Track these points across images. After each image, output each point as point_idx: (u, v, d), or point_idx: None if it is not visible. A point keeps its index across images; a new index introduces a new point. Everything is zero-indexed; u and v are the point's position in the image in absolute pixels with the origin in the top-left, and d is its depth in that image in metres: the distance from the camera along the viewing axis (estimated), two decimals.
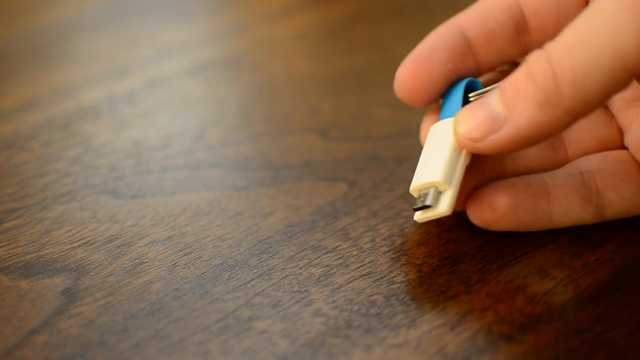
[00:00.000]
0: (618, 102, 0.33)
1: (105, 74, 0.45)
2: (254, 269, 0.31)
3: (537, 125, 0.28)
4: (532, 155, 0.32)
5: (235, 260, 0.32)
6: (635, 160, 0.32)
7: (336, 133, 0.40)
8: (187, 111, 0.42)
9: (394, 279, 0.31)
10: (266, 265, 0.32)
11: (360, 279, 0.31)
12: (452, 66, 0.32)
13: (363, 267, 0.31)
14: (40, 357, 0.28)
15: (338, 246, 0.32)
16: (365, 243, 0.32)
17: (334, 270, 0.31)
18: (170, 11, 0.53)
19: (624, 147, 0.33)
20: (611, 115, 0.33)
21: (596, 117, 0.33)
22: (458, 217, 0.32)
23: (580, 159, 0.32)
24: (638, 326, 0.29)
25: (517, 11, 0.32)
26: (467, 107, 0.30)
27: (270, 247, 0.32)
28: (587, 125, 0.33)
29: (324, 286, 0.31)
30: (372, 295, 0.30)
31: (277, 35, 0.49)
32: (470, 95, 0.32)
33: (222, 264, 0.32)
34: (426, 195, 0.30)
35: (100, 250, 0.32)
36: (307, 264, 0.32)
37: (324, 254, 0.32)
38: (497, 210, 0.31)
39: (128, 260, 0.32)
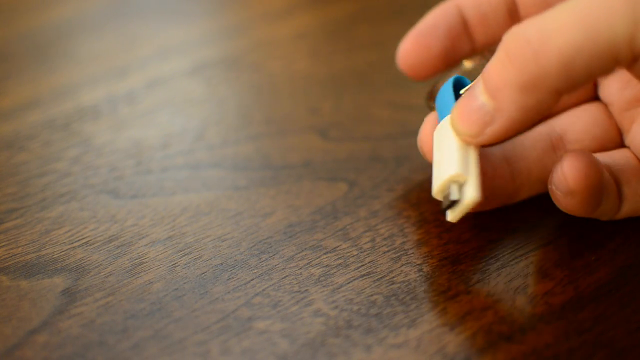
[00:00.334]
0: (617, 103, 0.33)
1: (105, 74, 0.45)
2: (254, 269, 0.31)
3: (525, 109, 0.28)
4: (533, 156, 0.32)
5: (235, 260, 0.32)
6: (638, 159, 0.32)
7: (336, 133, 0.40)
8: (187, 111, 0.42)
9: (394, 279, 0.31)
10: (266, 265, 0.32)
11: (360, 279, 0.31)
12: (450, 43, 0.34)
13: (363, 267, 0.31)
14: (40, 357, 0.28)
15: (338, 246, 0.32)
16: (365, 243, 0.33)
17: (334, 270, 0.31)
18: (170, 11, 0.53)
19: (623, 147, 0.33)
20: (610, 116, 0.33)
21: (596, 118, 0.33)
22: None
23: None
24: (638, 326, 0.29)
25: None
26: (458, 103, 0.29)
27: (270, 247, 0.32)
28: (587, 126, 0.33)
29: (324, 286, 0.31)
30: (372, 295, 0.30)
31: (277, 35, 0.49)
32: (461, 92, 0.32)
33: (222, 264, 0.32)
34: (449, 193, 0.30)
35: (100, 250, 0.32)
36: (307, 264, 0.32)
37: (324, 254, 0.32)
38: (601, 169, 0.30)
39: (128, 260, 0.32)
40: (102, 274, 0.31)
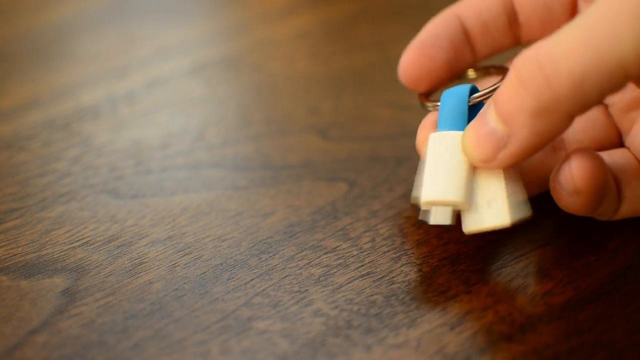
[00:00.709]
0: (617, 104, 0.33)
1: (105, 74, 0.45)
2: (254, 269, 0.31)
3: (538, 134, 0.28)
4: (535, 157, 0.32)
5: (235, 260, 0.32)
6: (638, 160, 0.32)
7: (336, 133, 0.40)
8: (187, 111, 0.42)
9: (394, 279, 0.31)
10: (266, 265, 0.32)
11: (360, 279, 0.31)
12: (453, 54, 0.34)
13: (363, 267, 0.31)
14: (40, 357, 0.28)
15: (338, 246, 0.32)
16: (365, 243, 0.33)
17: (334, 270, 0.31)
18: (170, 11, 0.53)
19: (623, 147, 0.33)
20: (610, 118, 0.33)
21: (595, 119, 0.33)
22: (458, 218, 0.32)
23: None
24: (638, 326, 0.29)
25: (508, 3, 0.34)
26: (470, 128, 0.30)
27: (270, 247, 0.32)
28: (587, 127, 0.33)
29: (324, 286, 0.31)
30: (372, 295, 0.30)
31: (277, 35, 0.49)
32: (469, 102, 0.31)
33: (222, 264, 0.32)
34: (441, 211, 0.30)
35: (100, 250, 0.32)
36: (307, 264, 0.32)
37: (324, 254, 0.32)
38: (606, 174, 0.29)
39: (128, 260, 0.32)
40: (102, 274, 0.31)
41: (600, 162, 0.29)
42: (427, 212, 0.30)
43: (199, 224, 0.34)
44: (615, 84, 0.27)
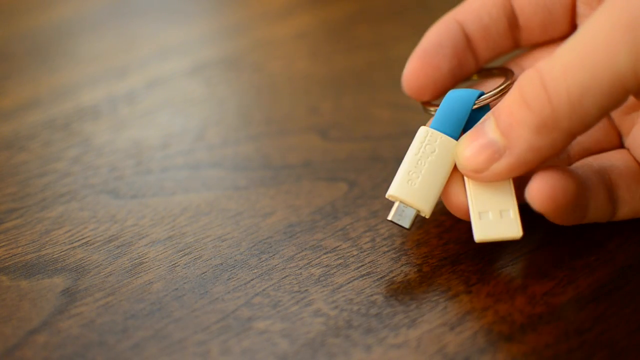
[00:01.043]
0: None
1: (105, 74, 0.45)
2: (254, 269, 0.31)
3: (536, 150, 0.28)
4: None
5: (235, 260, 0.32)
6: (637, 162, 0.32)
7: (336, 133, 0.40)
8: (187, 111, 0.42)
9: (394, 279, 0.31)
10: (266, 265, 0.32)
11: (360, 279, 0.31)
12: (456, 61, 0.33)
13: (363, 267, 0.31)
14: (40, 357, 0.28)
15: (338, 246, 0.32)
16: (365, 243, 0.32)
17: (334, 270, 0.31)
18: (170, 11, 0.53)
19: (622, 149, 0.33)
20: (610, 119, 0.33)
21: None
22: (458, 218, 0.32)
23: (589, 158, 0.32)
24: (638, 326, 0.29)
25: (508, 6, 0.33)
26: (466, 136, 0.30)
27: (270, 247, 0.32)
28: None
29: (324, 286, 0.31)
30: (372, 295, 0.30)
31: (277, 35, 0.49)
32: (473, 106, 0.32)
33: (222, 264, 0.32)
34: (405, 212, 0.30)
35: (100, 250, 0.32)
36: (307, 264, 0.32)
37: (324, 254, 0.32)
38: (570, 192, 0.29)
39: (128, 260, 0.32)
40: (102, 274, 0.31)
41: (562, 182, 0.29)
42: (396, 212, 0.31)
43: (199, 224, 0.34)
44: (615, 100, 0.27)
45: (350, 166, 0.37)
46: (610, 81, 0.26)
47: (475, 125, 0.30)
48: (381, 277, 0.31)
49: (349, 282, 0.31)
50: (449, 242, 0.32)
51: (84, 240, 0.33)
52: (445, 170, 0.30)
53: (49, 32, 0.50)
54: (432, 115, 0.33)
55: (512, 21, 0.34)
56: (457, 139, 0.31)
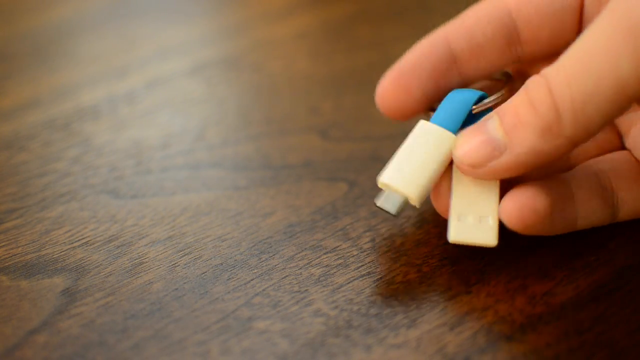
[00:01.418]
0: None
1: (105, 74, 0.45)
2: (254, 269, 0.31)
3: (537, 153, 0.28)
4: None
5: (235, 260, 0.32)
6: (638, 162, 0.32)
7: (336, 133, 0.40)
8: (187, 111, 0.42)
9: (394, 279, 0.31)
10: (266, 265, 0.32)
11: (360, 279, 0.31)
12: (433, 84, 0.32)
13: (363, 267, 0.31)
14: (40, 357, 0.28)
15: (338, 246, 0.32)
16: (365, 243, 0.33)
17: (334, 270, 0.31)
18: (170, 11, 0.53)
19: (623, 149, 0.33)
20: None
21: None
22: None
23: (591, 161, 0.32)
24: (638, 326, 0.29)
25: (508, 22, 0.32)
26: (467, 131, 0.30)
27: (270, 247, 0.32)
28: None
29: (324, 286, 0.31)
30: (372, 295, 0.30)
31: (277, 35, 0.49)
32: (473, 107, 0.31)
33: (222, 264, 0.32)
34: (393, 198, 0.30)
35: (100, 250, 0.32)
36: (307, 264, 0.32)
37: (324, 254, 0.32)
38: (539, 211, 0.29)
39: (128, 260, 0.32)
40: (102, 274, 0.31)
41: (532, 201, 0.29)
42: (380, 193, 0.31)
43: (199, 224, 0.34)
44: (619, 107, 0.27)
45: (351, 166, 0.37)
46: (614, 88, 0.26)
47: (477, 122, 0.30)
48: (381, 277, 0.31)
49: (349, 282, 0.31)
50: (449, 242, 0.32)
51: (84, 240, 0.33)
52: (438, 162, 0.30)
53: (49, 32, 0.50)
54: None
55: (511, 37, 0.33)
56: (455, 134, 0.31)
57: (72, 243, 0.33)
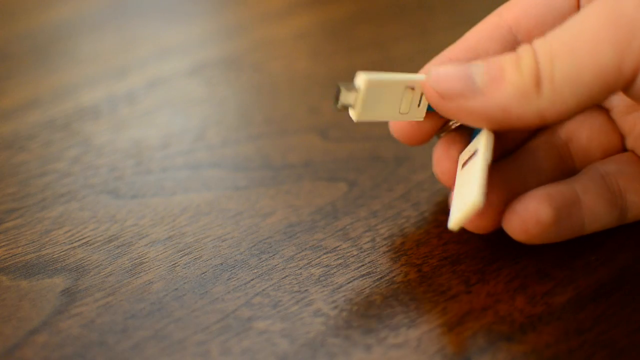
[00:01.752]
0: (617, 107, 0.33)
1: (105, 74, 0.45)
2: (254, 269, 0.31)
3: (506, 112, 0.28)
4: (543, 168, 0.32)
5: (235, 260, 0.32)
6: None
7: (336, 133, 0.40)
8: (187, 111, 0.42)
9: (394, 279, 0.31)
10: (266, 265, 0.32)
11: (360, 279, 0.31)
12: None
13: (363, 267, 0.31)
14: (40, 357, 0.28)
15: (338, 246, 0.32)
16: (365, 243, 0.33)
17: (334, 270, 0.31)
18: (170, 11, 0.53)
19: (625, 151, 0.33)
20: (613, 122, 0.33)
21: (600, 126, 0.33)
22: None
23: (597, 163, 0.32)
24: (638, 326, 0.29)
25: (509, 38, 0.32)
26: (451, 64, 0.29)
27: (270, 247, 0.32)
28: (592, 134, 0.33)
29: (324, 286, 0.31)
30: (372, 295, 0.30)
31: (277, 35, 0.49)
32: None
33: (222, 264, 0.32)
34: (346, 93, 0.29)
35: (100, 250, 0.32)
36: (307, 264, 0.32)
37: (324, 254, 0.32)
38: (543, 222, 0.29)
39: (128, 260, 0.32)
40: (102, 274, 0.31)
41: (535, 214, 0.29)
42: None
43: (199, 224, 0.34)
44: (596, 94, 0.27)
45: (350, 166, 0.37)
46: (593, 77, 0.27)
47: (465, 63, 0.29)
48: (381, 277, 0.31)
49: (349, 282, 0.31)
50: (449, 242, 0.32)
51: (84, 240, 0.33)
52: (404, 79, 0.30)
53: (49, 32, 0.50)
54: (440, 137, 0.32)
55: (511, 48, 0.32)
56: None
57: (72, 243, 0.33)
